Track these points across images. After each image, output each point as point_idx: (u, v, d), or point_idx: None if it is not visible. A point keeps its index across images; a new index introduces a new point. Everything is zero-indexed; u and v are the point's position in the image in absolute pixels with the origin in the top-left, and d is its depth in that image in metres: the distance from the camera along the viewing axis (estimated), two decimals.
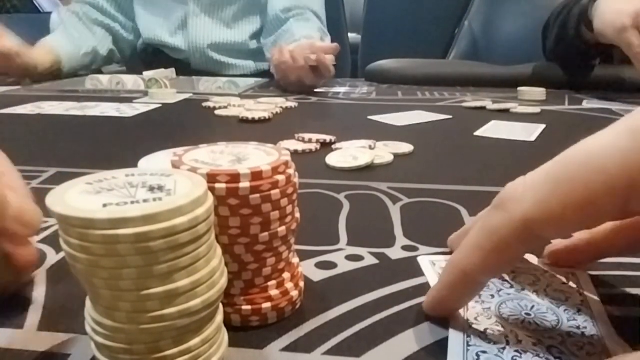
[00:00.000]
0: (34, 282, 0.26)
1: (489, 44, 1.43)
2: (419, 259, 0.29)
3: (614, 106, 0.79)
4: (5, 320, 0.23)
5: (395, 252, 0.30)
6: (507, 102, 0.79)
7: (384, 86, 1.03)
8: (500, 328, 0.22)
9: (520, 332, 0.21)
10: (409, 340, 0.22)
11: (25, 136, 0.59)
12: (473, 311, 0.23)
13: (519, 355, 0.20)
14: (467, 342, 0.21)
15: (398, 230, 0.33)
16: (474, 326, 0.22)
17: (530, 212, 0.18)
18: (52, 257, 0.29)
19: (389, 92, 0.94)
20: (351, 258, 0.29)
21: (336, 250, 0.30)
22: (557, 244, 0.26)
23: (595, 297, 0.24)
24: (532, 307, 0.23)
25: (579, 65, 0.94)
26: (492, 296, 0.24)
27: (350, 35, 1.64)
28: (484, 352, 0.20)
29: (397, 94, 0.92)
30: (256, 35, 1.19)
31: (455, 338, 0.21)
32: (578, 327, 0.22)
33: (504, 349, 0.20)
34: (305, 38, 1.01)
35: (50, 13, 1.99)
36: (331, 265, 0.28)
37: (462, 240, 0.22)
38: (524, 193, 0.19)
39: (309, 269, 0.28)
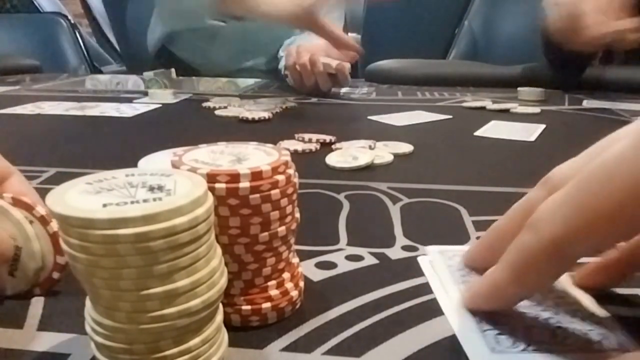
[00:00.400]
0: None
1: (489, 44, 1.43)
2: (419, 259, 0.29)
3: (614, 106, 0.79)
4: (5, 320, 0.23)
5: (395, 252, 0.30)
6: (507, 102, 0.79)
7: (384, 86, 1.03)
8: (503, 313, 0.23)
9: (522, 310, 0.23)
10: (409, 340, 0.22)
11: (25, 136, 0.59)
12: None
13: (528, 331, 0.21)
14: (481, 328, 0.22)
15: (398, 230, 0.33)
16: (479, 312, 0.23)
17: (560, 232, 0.19)
18: None
19: (389, 92, 0.94)
20: (351, 258, 0.29)
21: (336, 250, 0.30)
22: (586, 266, 0.26)
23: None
24: None
25: (575, 66, 0.94)
26: None
27: (350, 34, 1.64)
28: (501, 333, 0.21)
29: (397, 94, 0.92)
30: (275, 59, 1.19)
31: (469, 329, 0.22)
32: (564, 300, 0.24)
33: (515, 329, 0.21)
34: None
35: (50, 13, 2.00)
36: (331, 265, 0.28)
37: (476, 255, 0.25)
38: (553, 213, 0.19)
39: (309, 269, 0.28)
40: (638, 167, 0.17)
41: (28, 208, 0.24)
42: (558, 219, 0.19)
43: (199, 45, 1.16)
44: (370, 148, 0.51)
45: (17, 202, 0.24)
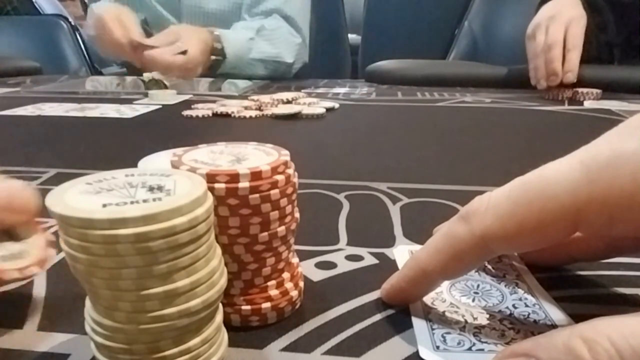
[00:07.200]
0: (34, 282, 0.26)
1: (489, 44, 1.43)
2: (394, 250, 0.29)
3: (614, 106, 0.79)
4: (5, 320, 0.23)
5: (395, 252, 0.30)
6: (507, 102, 0.79)
7: (384, 87, 1.03)
8: (455, 309, 0.23)
9: (473, 310, 0.23)
10: (409, 340, 0.22)
11: (25, 137, 0.59)
12: (428, 297, 0.24)
13: (478, 330, 0.22)
14: (431, 327, 0.22)
15: (398, 230, 0.33)
16: (432, 311, 0.23)
17: (490, 230, 0.20)
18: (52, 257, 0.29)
19: (388, 93, 0.94)
20: (351, 258, 0.29)
21: (336, 250, 0.30)
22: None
23: (526, 270, 0.27)
24: (478, 285, 0.26)
25: None
26: None
27: (350, 35, 1.64)
28: (448, 332, 0.22)
29: (397, 95, 0.92)
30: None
31: (419, 325, 0.22)
32: (520, 299, 0.24)
33: (464, 327, 0.22)
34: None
35: (51, 15, 2.00)
36: (331, 265, 0.28)
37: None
38: (487, 210, 0.20)
39: (309, 269, 0.28)
40: (568, 192, 0.18)
41: None
42: (490, 217, 0.20)
43: None
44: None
45: None
